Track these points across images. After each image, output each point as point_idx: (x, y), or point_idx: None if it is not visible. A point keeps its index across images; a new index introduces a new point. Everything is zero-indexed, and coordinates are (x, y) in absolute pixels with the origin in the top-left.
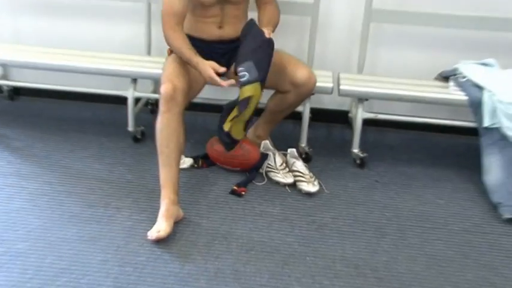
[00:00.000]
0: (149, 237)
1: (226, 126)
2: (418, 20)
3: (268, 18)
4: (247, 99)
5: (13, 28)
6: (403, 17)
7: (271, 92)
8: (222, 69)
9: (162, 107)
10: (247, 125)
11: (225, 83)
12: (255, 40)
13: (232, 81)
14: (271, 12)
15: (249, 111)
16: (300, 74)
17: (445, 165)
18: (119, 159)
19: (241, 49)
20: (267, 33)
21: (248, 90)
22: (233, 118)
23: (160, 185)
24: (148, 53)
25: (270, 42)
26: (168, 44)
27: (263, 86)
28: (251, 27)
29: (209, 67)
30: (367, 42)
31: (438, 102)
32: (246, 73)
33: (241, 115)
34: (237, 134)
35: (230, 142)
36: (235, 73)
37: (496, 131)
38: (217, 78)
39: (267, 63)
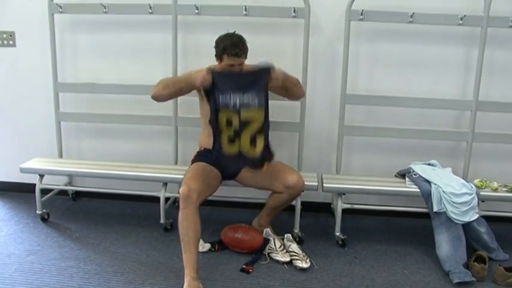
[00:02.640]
0: None
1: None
2: (380, 133)
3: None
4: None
5: (77, 147)
6: (368, 131)
7: (269, 192)
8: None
9: (181, 204)
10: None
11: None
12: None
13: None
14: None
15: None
16: (291, 178)
17: (407, 242)
18: (153, 245)
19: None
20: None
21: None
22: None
23: (184, 265)
24: (176, 163)
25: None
26: (160, 95)
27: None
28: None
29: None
30: (342, 150)
31: (398, 194)
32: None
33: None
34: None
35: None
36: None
37: (443, 215)
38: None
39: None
